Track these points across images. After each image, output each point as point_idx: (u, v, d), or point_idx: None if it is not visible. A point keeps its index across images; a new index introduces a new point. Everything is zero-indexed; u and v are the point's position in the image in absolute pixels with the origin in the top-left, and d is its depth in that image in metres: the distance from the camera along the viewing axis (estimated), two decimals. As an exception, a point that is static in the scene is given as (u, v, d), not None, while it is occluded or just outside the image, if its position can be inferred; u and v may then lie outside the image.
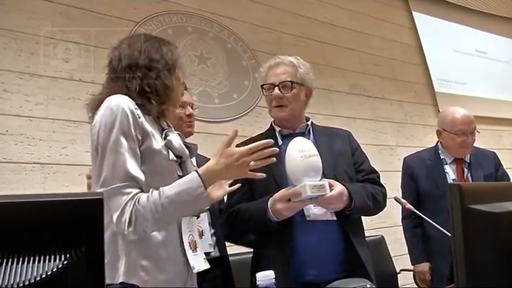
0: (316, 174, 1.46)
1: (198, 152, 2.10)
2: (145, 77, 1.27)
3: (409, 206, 1.80)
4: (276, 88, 1.65)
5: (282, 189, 1.49)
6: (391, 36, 4.74)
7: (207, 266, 1.34)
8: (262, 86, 1.74)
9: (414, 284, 2.54)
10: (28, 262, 0.50)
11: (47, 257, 0.51)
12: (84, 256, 0.53)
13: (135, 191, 1.16)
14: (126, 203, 1.14)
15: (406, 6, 5.07)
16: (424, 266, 2.36)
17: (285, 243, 1.52)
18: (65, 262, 0.51)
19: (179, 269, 1.27)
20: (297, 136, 1.59)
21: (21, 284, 0.49)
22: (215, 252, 1.87)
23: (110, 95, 1.25)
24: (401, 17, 5.00)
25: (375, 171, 1.74)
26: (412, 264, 2.45)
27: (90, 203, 0.57)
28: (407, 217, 2.43)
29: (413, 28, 4.99)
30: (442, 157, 2.41)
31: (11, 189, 2.30)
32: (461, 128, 2.30)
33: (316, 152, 1.48)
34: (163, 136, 1.29)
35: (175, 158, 1.29)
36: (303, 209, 1.51)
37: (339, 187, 1.49)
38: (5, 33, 2.53)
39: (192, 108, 1.97)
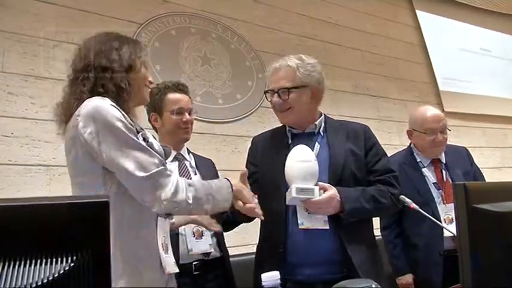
0: (307, 178, 1.49)
1: (198, 153, 2.11)
2: (100, 78, 1.27)
3: (414, 205, 1.77)
4: (276, 95, 1.66)
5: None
6: (395, 36, 4.73)
7: (177, 269, 1.35)
8: (265, 92, 1.76)
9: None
10: (35, 264, 0.50)
11: (54, 259, 0.51)
12: (90, 258, 0.53)
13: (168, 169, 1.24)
14: (175, 180, 1.21)
15: (410, 5, 5.06)
16: (408, 278, 2.23)
17: (277, 247, 1.57)
18: (72, 264, 0.52)
19: (158, 269, 1.28)
20: (305, 135, 1.66)
21: (28, 286, 0.49)
22: (216, 253, 1.88)
23: (72, 97, 1.27)
24: (405, 16, 4.98)
25: (390, 171, 1.68)
26: (395, 277, 2.29)
27: (96, 206, 0.57)
28: (388, 227, 2.30)
29: (417, 27, 4.98)
30: (418, 160, 2.30)
31: (17, 192, 2.31)
32: (430, 126, 2.22)
33: (312, 159, 1.52)
34: (142, 138, 1.29)
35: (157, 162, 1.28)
36: (296, 217, 1.54)
37: (329, 192, 1.50)
38: (9, 36, 2.54)
39: (190, 114, 1.96)
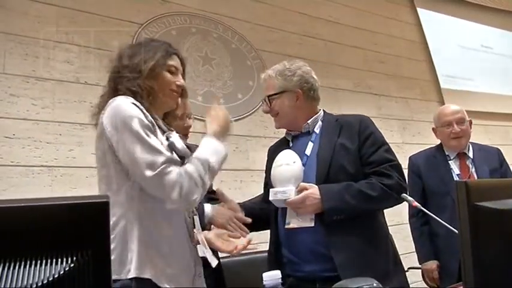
0: (289, 181, 1.57)
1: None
2: (118, 81, 1.34)
3: (416, 204, 1.78)
4: (265, 103, 1.77)
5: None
6: (396, 33, 4.72)
7: (216, 262, 1.43)
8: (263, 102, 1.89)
9: (423, 282, 2.52)
10: (35, 265, 0.51)
11: (54, 260, 0.51)
12: (90, 259, 0.53)
13: (177, 168, 1.24)
14: (177, 180, 1.21)
15: (411, 3, 5.04)
16: (432, 264, 2.35)
17: (274, 247, 1.67)
18: (72, 265, 0.52)
19: (186, 265, 1.31)
20: (303, 135, 1.73)
21: (28, 287, 0.49)
22: (205, 253, 1.89)
23: (111, 94, 1.31)
24: (406, 14, 4.97)
25: (387, 161, 1.61)
26: (420, 263, 2.44)
27: (96, 206, 0.57)
28: (415, 215, 2.43)
29: (418, 24, 4.96)
30: (446, 153, 2.43)
31: (19, 193, 2.32)
32: (446, 119, 2.40)
33: (291, 162, 1.59)
34: (166, 137, 1.32)
35: (179, 160, 1.31)
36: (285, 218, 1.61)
37: (305, 192, 1.54)
38: (10, 38, 2.55)
39: (189, 118, 2.01)
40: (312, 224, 1.55)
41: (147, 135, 1.23)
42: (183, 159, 1.34)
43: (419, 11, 5.01)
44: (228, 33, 3.50)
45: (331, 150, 1.62)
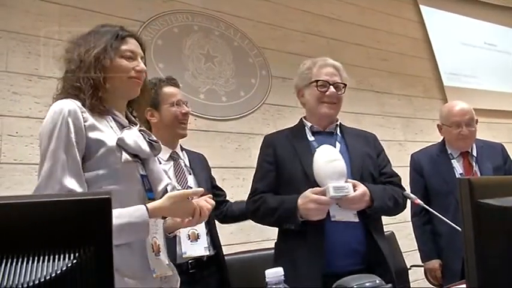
0: (340, 177, 1.55)
1: (189, 148, 2.10)
2: (77, 72, 1.23)
3: (418, 201, 1.78)
4: (333, 88, 1.84)
5: (310, 190, 1.56)
6: (399, 31, 4.70)
7: (170, 272, 1.28)
8: None
9: (425, 279, 2.52)
10: (38, 261, 0.51)
11: (56, 256, 0.51)
12: (93, 255, 0.53)
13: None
14: None
15: (413, 0, 5.03)
16: (435, 263, 2.35)
17: (316, 241, 1.56)
18: (74, 261, 0.52)
19: (144, 273, 1.20)
20: (326, 134, 1.77)
21: (30, 283, 0.49)
22: (210, 251, 1.87)
23: (59, 95, 1.24)
24: (409, 11, 4.95)
25: (396, 175, 1.81)
26: (423, 262, 2.44)
27: (98, 202, 0.57)
28: (417, 214, 2.42)
29: (421, 22, 4.95)
30: (449, 152, 2.40)
31: (22, 190, 2.32)
32: (455, 119, 2.33)
33: (340, 157, 1.59)
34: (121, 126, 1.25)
35: (129, 159, 1.22)
36: (329, 211, 1.58)
37: (361, 188, 1.57)
38: (13, 36, 2.55)
39: (187, 106, 1.96)
40: (357, 220, 1.60)
41: (63, 160, 1.12)
42: (136, 157, 1.25)
43: (422, 8, 4.99)
44: (230, 30, 3.49)
45: (362, 156, 1.72)
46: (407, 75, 4.50)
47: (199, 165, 2.04)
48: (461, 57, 5.02)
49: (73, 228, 0.54)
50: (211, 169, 2.16)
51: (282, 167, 1.70)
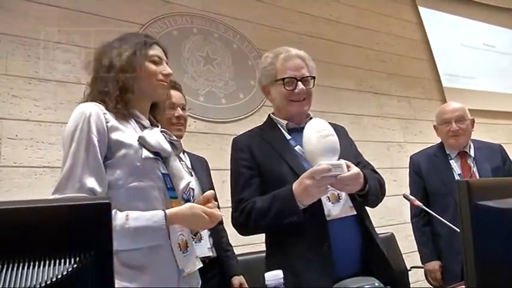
0: (334, 154, 1.40)
1: (192, 152, 2.10)
2: (107, 77, 1.27)
3: (418, 202, 1.79)
4: (301, 83, 1.64)
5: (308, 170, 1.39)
6: (398, 32, 4.71)
7: (199, 265, 1.32)
8: None
9: (425, 281, 2.52)
10: (38, 266, 0.51)
11: (57, 261, 0.52)
12: (93, 260, 0.54)
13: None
14: None
15: (412, 1, 5.03)
16: (435, 265, 2.35)
17: (319, 242, 1.41)
18: (75, 266, 0.52)
19: (167, 272, 1.22)
20: (299, 130, 1.53)
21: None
22: (212, 253, 1.88)
23: (86, 100, 1.28)
24: (408, 13, 4.96)
25: (370, 164, 1.68)
26: (422, 263, 2.44)
27: (98, 207, 0.58)
28: (417, 215, 2.42)
29: (419, 23, 4.95)
30: (447, 152, 2.41)
31: (22, 193, 2.32)
32: (445, 117, 2.37)
33: (333, 132, 1.43)
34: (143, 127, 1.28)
35: (150, 155, 1.24)
36: (323, 211, 1.43)
37: (355, 168, 1.41)
38: (12, 39, 2.55)
39: (183, 109, 1.92)
40: (354, 212, 1.45)
41: (83, 160, 1.15)
42: (157, 155, 1.28)
43: (421, 9, 5.00)
44: (230, 33, 3.50)
45: (344, 146, 1.52)
46: (406, 77, 4.51)
47: (201, 168, 2.05)
48: (460, 59, 5.03)
49: (73, 233, 0.54)
50: (211, 171, 2.17)
51: (267, 170, 1.52)
